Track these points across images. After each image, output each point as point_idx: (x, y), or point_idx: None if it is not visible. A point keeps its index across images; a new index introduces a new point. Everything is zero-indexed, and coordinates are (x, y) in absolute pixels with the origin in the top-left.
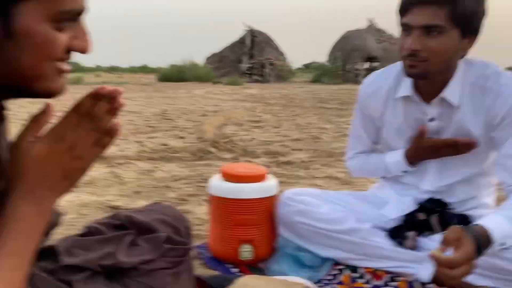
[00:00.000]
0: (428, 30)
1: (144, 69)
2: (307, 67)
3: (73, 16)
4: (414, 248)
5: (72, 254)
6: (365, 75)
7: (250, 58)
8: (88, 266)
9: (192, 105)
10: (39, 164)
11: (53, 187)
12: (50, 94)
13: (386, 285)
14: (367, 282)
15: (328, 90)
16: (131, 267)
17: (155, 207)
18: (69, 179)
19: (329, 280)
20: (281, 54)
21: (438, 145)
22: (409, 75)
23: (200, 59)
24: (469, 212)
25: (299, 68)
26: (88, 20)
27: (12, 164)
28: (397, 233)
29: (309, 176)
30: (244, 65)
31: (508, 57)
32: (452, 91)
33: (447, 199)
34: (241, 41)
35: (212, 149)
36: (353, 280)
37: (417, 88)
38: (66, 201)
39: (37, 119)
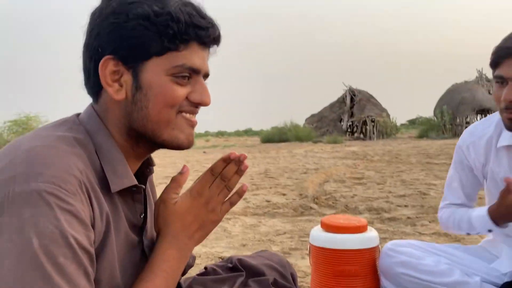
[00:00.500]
0: None
1: (248, 132)
2: (413, 122)
3: (190, 72)
4: None
5: None
6: None
7: (350, 116)
8: None
9: (293, 163)
10: (182, 216)
11: (192, 236)
12: (178, 143)
13: None
14: None
15: (435, 145)
16: None
17: (263, 254)
18: (204, 229)
19: None
20: (383, 110)
21: None
22: (509, 127)
23: (300, 120)
24: None
25: (403, 124)
26: None
27: (159, 216)
28: None
29: (415, 232)
30: (344, 123)
31: None
32: None
33: None
34: (340, 101)
35: (313, 205)
36: None
37: None
38: None
39: (176, 179)
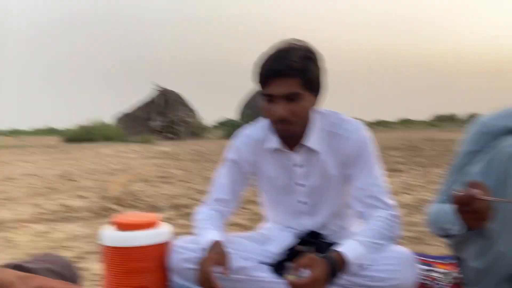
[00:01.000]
0: (289, 97)
1: (50, 132)
2: (222, 124)
3: None
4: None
5: None
6: None
7: (162, 117)
8: None
9: (98, 165)
10: None
11: None
12: None
13: None
14: None
15: None
16: None
17: (46, 258)
18: None
19: None
20: (193, 111)
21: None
22: (283, 136)
23: (109, 119)
24: (339, 241)
25: (213, 126)
26: None
27: None
28: (279, 266)
29: None
30: (155, 123)
31: None
32: (311, 139)
33: (323, 231)
34: (151, 101)
35: (115, 207)
36: None
37: (283, 139)
38: None
39: None
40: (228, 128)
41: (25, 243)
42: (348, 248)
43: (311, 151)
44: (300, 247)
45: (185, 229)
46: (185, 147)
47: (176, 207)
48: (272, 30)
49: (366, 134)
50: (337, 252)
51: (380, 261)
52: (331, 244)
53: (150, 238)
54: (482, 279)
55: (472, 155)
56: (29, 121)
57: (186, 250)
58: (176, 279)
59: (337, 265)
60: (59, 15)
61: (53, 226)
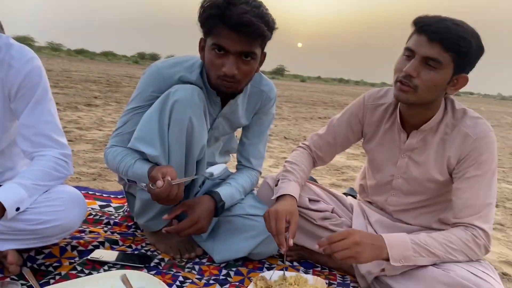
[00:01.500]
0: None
1: None
2: None
3: None
4: None
5: None
6: None
7: None
8: None
9: None
10: None
11: None
12: None
13: None
14: None
15: None
16: None
17: None
18: None
19: None
20: None
21: None
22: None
23: None
24: (4, 183)
25: None
26: None
27: None
28: None
29: None
30: None
31: None
32: None
33: None
34: None
35: None
36: None
37: None
38: None
39: None
40: None
41: None
42: (4, 192)
43: None
44: None
45: None
46: None
47: None
48: None
49: (37, 63)
50: None
51: (42, 203)
52: None
53: None
54: (146, 211)
55: (145, 97)
56: None
57: None
58: None
59: None
60: None
61: None
